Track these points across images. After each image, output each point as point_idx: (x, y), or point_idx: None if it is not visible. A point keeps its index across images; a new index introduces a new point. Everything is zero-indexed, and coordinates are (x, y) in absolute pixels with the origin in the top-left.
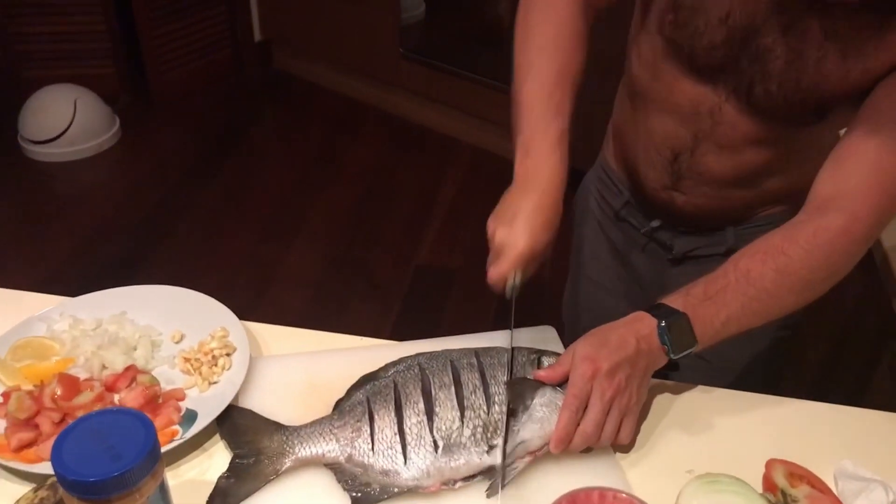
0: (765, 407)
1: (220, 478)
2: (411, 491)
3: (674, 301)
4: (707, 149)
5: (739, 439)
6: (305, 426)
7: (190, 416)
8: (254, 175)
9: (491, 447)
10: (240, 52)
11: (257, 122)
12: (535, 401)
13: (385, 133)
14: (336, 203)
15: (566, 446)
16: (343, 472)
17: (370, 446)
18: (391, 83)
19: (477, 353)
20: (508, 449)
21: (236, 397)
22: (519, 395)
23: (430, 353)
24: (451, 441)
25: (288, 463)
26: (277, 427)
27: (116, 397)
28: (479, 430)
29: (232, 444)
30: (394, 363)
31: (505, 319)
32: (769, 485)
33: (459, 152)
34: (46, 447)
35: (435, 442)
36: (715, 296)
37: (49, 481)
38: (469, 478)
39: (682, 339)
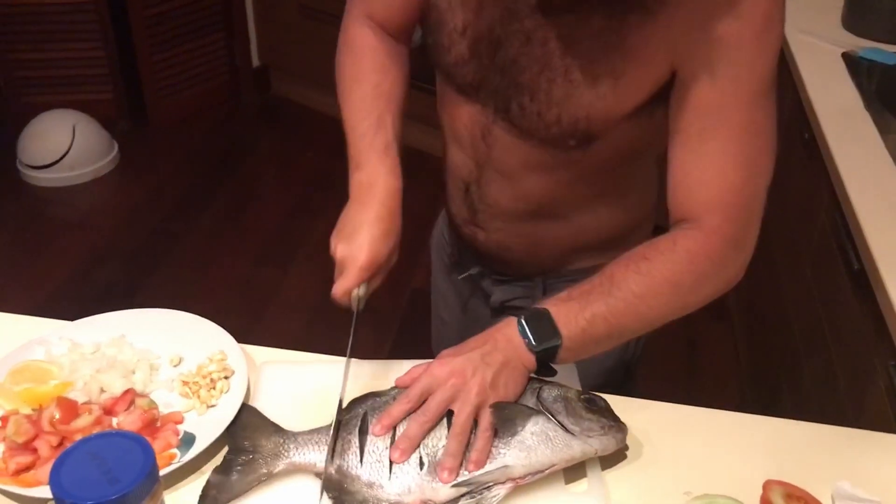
0: (762, 428)
1: (213, 472)
2: None
3: (538, 304)
4: (490, 177)
5: (737, 460)
6: (303, 433)
7: (188, 440)
8: (251, 200)
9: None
10: (238, 78)
11: (255, 148)
12: (526, 428)
13: None
14: (332, 227)
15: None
16: (330, 481)
17: (359, 458)
18: None
19: None
20: (490, 470)
21: (246, 396)
22: (509, 419)
23: None
24: (436, 460)
25: (281, 466)
26: (277, 430)
27: (115, 421)
28: (464, 447)
29: (231, 438)
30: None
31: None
32: None
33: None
34: (45, 471)
35: (421, 459)
36: (578, 297)
37: None
38: (451, 501)
39: (543, 332)
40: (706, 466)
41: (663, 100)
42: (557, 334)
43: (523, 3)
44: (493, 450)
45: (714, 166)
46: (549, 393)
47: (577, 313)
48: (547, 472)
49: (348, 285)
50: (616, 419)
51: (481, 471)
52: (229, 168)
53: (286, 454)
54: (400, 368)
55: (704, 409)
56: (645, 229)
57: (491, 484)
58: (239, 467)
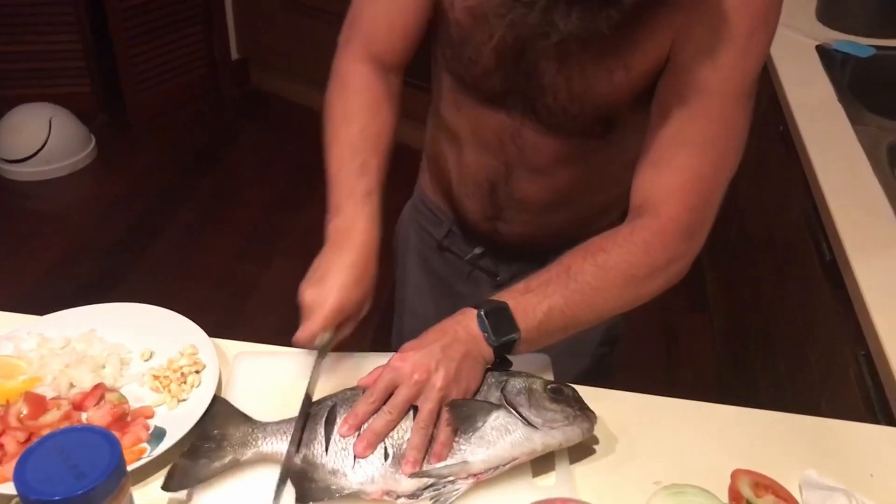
0: (730, 417)
1: (180, 456)
2: (354, 495)
3: (497, 296)
4: (520, 175)
5: (705, 450)
6: (271, 423)
7: (158, 434)
8: (231, 194)
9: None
10: (216, 71)
11: (234, 141)
12: (486, 423)
13: None
14: (313, 222)
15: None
16: (295, 470)
17: (324, 447)
18: None
19: None
20: (450, 464)
21: (217, 390)
22: (467, 416)
23: None
24: (401, 451)
25: (248, 454)
26: (246, 419)
27: (84, 416)
28: (428, 440)
29: (200, 425)
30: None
31: None
32: (735, 495)
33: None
34: (11, 467)
35: (386, 450)
36: (536, 289)
37: (12, 502)
38: (413, 496)
39: (502, 326)
40: (675, 456)
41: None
42: (515, 328)
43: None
44: (454, 444)
45: (685, 153)
46: (513, 385)
47: (534, 306)
48: (508, 465)
49: (313, 330)
50: (583, 408)
51: (440, 464)
52: (208, 162)
53: (254, 443)
54: (377, 362)
55: (673, 399)
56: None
57: (452, 478)
58: (206, 453)
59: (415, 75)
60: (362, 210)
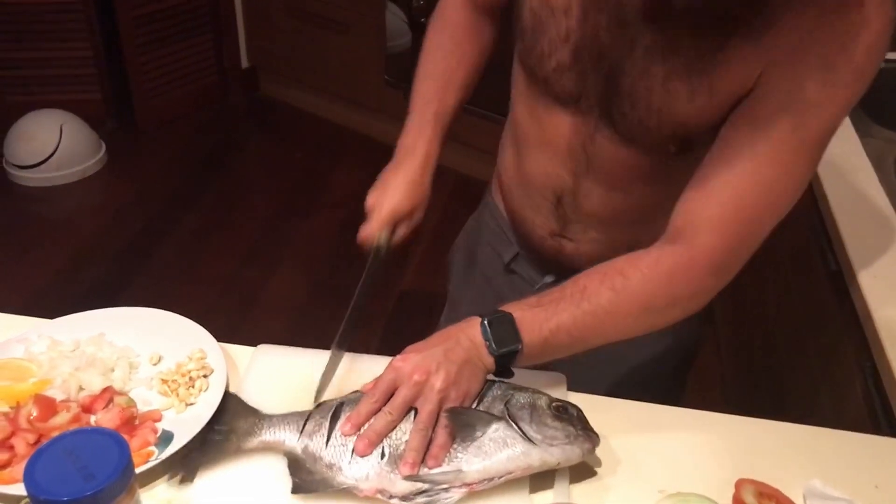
0: (735, 427)
1: (191, 448)
2: (348, 490)
3: (506, 306)
4: (589, 188)
5: (710, 459)
6: (277, 415)
7: (166, 438)
8: (238, 200)
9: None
10: (226, 79)
11: (243, 149)
12: (485, 434)
13: (370, 160)
14: (320, 229)
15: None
16: (295, 460)
17: (325, 440)
18: (376, 110)
19: None
20: (445, 471)
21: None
22: (466, 424)
23: None
24: (398, 452)
25: (252, 443)
26: (253, 412)
27: (93, 418)
28: (426, 443)
29: (212, 421)
30: None
31: None
32: None
33: (443, 178)
34: (21, 468)
35: (383, 450)
36: (547, 304)
37: (22, 502)
38: (406, 498)
39: (504, 336)
40: (680, 465)
41: None
42: (518, 339)
43: (631, 9)
44: (451, 451)
45: (737, 185)
46: (518, 399)
47: (542, 322)
48: (503, 479)
49: (371, 229)
50: (586, 428)
51: (435, 470)
52: (217, 169)
53: (258, 433)
54: (383, 364)
55: (678, 409)
56: None
57: (446, 486)
58: (214, 446)
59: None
60: (425, 131)
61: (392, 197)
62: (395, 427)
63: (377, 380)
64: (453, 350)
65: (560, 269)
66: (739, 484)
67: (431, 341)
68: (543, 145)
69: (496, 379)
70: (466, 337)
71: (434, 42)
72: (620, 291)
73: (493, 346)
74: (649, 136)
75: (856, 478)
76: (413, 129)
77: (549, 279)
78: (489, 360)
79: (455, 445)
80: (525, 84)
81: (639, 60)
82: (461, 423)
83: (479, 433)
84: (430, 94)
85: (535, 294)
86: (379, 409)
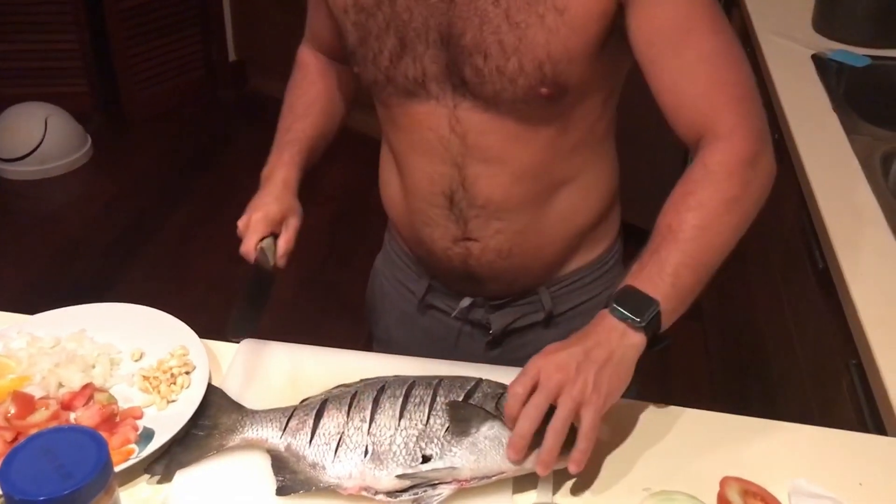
0: (720, 425)
1: (171, 444)
2: (331, 489)
3: (620, 285)
4: (475, 172)
5: (695, 457)
6: (260, 411)
7: (147, 435)
8: (226, 195)
9: (425, 458)
10: (214, 73)
11: (230, 143)
12: (480, 431)
13: (358, 154)
14: (309, 224)
15: (519, 456)
16: (278, 459)
17: (309, 439)
18: (365, 105)
19: (444, 378)
20: (438, 468)
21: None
22: (463, 419)
23: (404, 376)
24: (381, 449)
25: (234, 441)
26: (237, 408)
27: (73, 416)
28: (413, 439)
29: (195, 416)
30: (367, 378)
31: None
32: (724, 502)
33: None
34: None
35: (366, 447)
36: (650, 259)
37: None
38: (392, 494)
39: (638, 304)
40: (665, 462)
41: (615, 37)
42: (652, 300)
43: None
44: (445, 446)
45: (702, 74)
46: (504, 399)
47: (658, 273)
48: (495, 478)
49: (248, 241)
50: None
51: (428, 467)
52: (204, 164)
53: (241, 430)
54: (371, 360)
55: (662, 406)
56: (615, 217)
57: (436, 482)
58: (196, 441)
59: None
60: (282, 156)
61: (259, 209)
62: (536, 427)
63: (519, 378)
64: (593, 349)
65: (472, 284)
66: (724, 482)
67: (569, 341)
68: (416, 149)
69: (483, 379)
70: (604, 329)
71: (290, 84)
72: (698, 206)
73: (635, 318)
74: (514, 84)
75: (841, 475)
76: (272, 158)
77: (465, 303)
78: (638, 338)
79: (448, 440)
80: (380, 104)
81: (469, 12)
82: (459, 416)
83: (473, 429)
84: (286, 125)
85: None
86: (524, 402)
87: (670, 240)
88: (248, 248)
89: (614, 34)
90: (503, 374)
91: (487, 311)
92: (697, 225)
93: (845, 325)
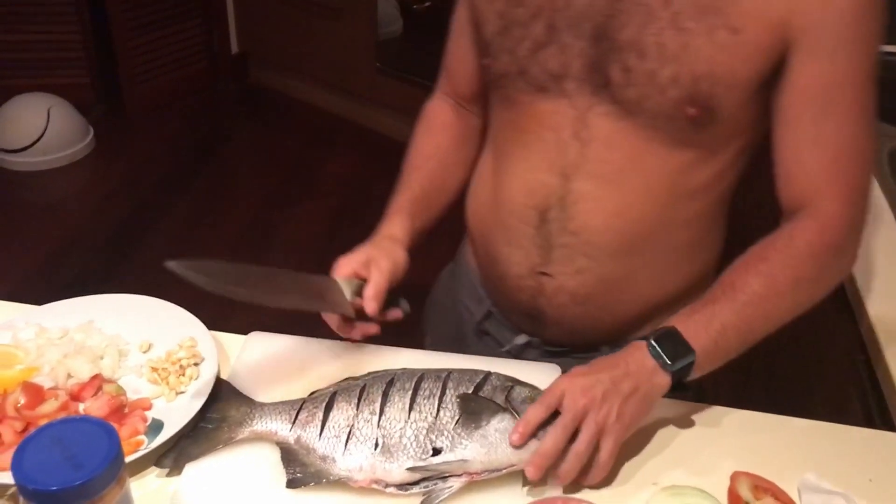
0: (730, 420)
1: (180, 437)
2: (342, 481)
3: (664, 324)
4: (581, 190)
5: (705, 452)
6: (269, 404)
7: (156, 426)
8: (228, 187)
9: (435, 450)
10: (216, 65)
11: (232, 135)
12: (490, 424)
13: (360, 147)
14: (310, 217)
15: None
16: (288, 451)
17: (319, 432)
18: (367, 98)
19: (453, 371)
20: (449, 460)
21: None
22: (474, 412)
23: (413, 368)
24: (392, 441)
25: (243, 433)
26: (246, 401)
27: (82, 406)
28: (423, 432)
29: (204, 409)
30: (376, 371)
31: None
32: (734, 497)
33: None
34: (8, 457)
35: (377, 440)
36: (702, 309)
37: (10, 491)
38: (403, 486)
39: (676, 349)
40: (675, 458)
41: (770, 88)
42: (690, 350)
43: None
44: (455, 439)
45: (830, 149)
46: (518, 392)
47: (705, 326)
48: (505, 471)
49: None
50: None
51: (439, 459)
52: (206, 155)
53: (250, 422)
54: (380, 353)
55: (672, 401)
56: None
57: (446, 475)
58: (205, 434)
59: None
60: (391, 209)
61: (345, 257)
62: (563, 447)
63: (545, 396)
64: (622, 380)
65: (535, 322)
66: (735, 477)
67: (597, 366)
68: (526, 154)
69: (492, 372)
70: (635, 362)
71: (413, 136)
72: (767, 274)
73: (669, 362)
74: (663, 93)
75: (850, 471)
76: (385, 218)
77: (521, 340)
78: (665, 380)
79: (460, 433)
80: (500, 100)
81: (635, 7)
82: (468, 409)
83: (484, 422)
84: (403, 178)
85: (687, 309)
86: (546, 417)
87: (728, 297)
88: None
89: (771, 85)
90: (513, 368)
91: (542, 354)
92: (759, 293)
93: (853, 321)
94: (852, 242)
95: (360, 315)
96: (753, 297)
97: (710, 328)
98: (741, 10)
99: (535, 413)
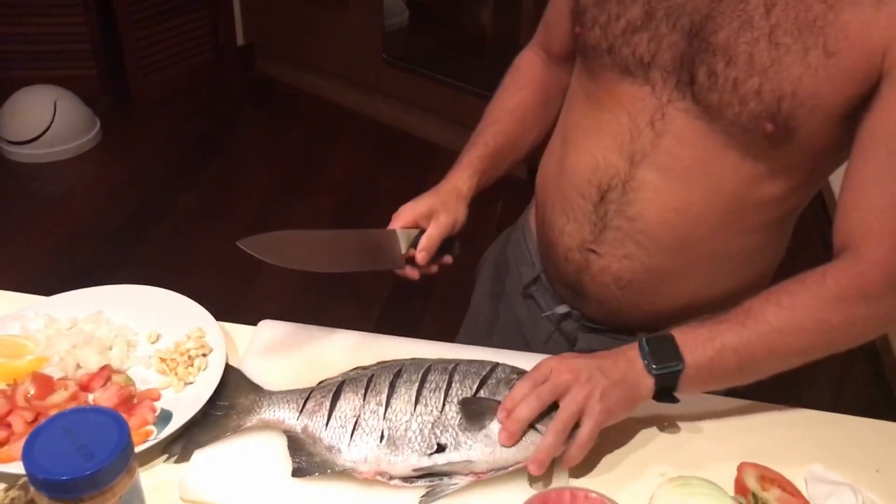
0: (737, 411)
1: (189, 424)
2: (347, 472)
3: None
4: (644, 178)
5: (712, 443)
6: (278, 392)
7: (165, 417)
8: (234, 179)
9: (439, 446)
10: (222, 56)
11: (239, 127)
12: (494, 423)
13: (367, 139)
14: (316, 208)
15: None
16: (295, 440)
17: (325, 421)
18: (373, 89)
19: (460, 362)
20: (453, 461)
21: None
22: (477, 413)
23: (421, 359)
24: (397, 434)
25: (251, 421)
26: (255, 388)
27: (91, 397)
28: (428, 426)
29: (213, 397)
30: (384, 361)
31: None
32: (741, 488)
33: (441, 158)
34: (18, 446)
35: (382, 432)
36: (709, 325)
37: (20, 481)
38: (408, 479)
39: (664, 354)
40: (682, 449)
41: (856, 115)
42: (679, 358)
43: None
44: (459, 436)
45: (893, 193)
46: None
47: (704, 342)
48: (511, 468)
49: (391, 225)
50: None
51: (443, 459)
52: (213, 147)
53: (258, 410)
54: (389, 342)
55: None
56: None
57: (452, 473)
58: (214, 422)
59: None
60: (460, 161)
61: (412, 201)
62: (537, 414)
63: (531, 373)
64: (609, 368)
65: (577, 296)
66: (742, 468)
67: (588, 355)
68: (599, 131)
69: (499, 364)
70: (625, 358)
71: (500, 87)
72: (788, 307)
73: (652, 364)
74: (743, 104)
75: (857, 462)
76: (451, 172)
77: (561, 309)
78: (648, 382)
79: (464, 431)
80: (584, 70)
81: (737, 11)
82: (471, 413)
83: (487, 421)
84: (480, 128)
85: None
86: (527, 393)
87: (741, 321)
88: (389, 231)
89: (857, 114)
90: (519, 359)
91: (580, 328)
92: (773, 325)
93: None
94: (891, 297)
95: (411, 261)
96: (766, 327)
97: (709, 345)
98: (842, 33)
99: (520, 388)
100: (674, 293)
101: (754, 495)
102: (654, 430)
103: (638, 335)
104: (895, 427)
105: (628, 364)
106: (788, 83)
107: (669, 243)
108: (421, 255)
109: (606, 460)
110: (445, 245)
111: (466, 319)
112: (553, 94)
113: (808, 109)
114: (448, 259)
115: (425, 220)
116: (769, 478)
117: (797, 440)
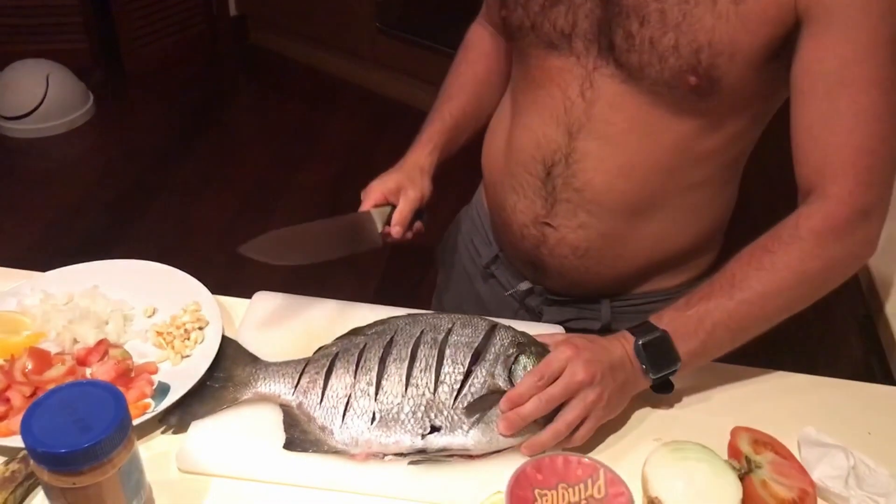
0: (731, 376)
1: (186, 396)
2: (339, 453)
3: (658, 318)
4: (585, 148)
5: (706, 408)
6: (274, 364)
7: (162, 390)
8: (229, 151)
9: (433, 428)
10: (215, 27)
11: (233, 98)
12: (493, 411)
13: (362, 109)
14: (312, 179)
15: (515, 427)
16: (290, 416)
17: (319, 400)
18: (368, 58)
19: (454, 325)
20: (448, 446)
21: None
22: (479, 409)
23: (415, 315)
24: (389, 416)
25: (248, 394)
26: (252, 360)
27: (88, 371)
28: (421, 409)
29: (210, 368)
30: (381, 321)
31: None
32: (734, 452)
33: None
34: (17, 421)
35: (374, 414)
36: (698, 304)
37: (20, 454)
38: (401, 454)
39: (661, 361)
40: (676, 414)
41: (781, 60)
42: (676, 358)
43: None
44: (455, 421)
45: (844, 127)
46: (523, 365)
47: (696, 327)
48: (505, 448)
49: (363, 205)
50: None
51: (440, 444)
52: (208, 119)
53: (254, 383)
54: (384, 313)
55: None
56: (712, 253)
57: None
58: (210, 393)
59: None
60: (420, 137)
61: (378, 178)
62: (541, 415)
63: (546, 366)
64: (616, 370)
65: (537, 271)
66: (735, 432)
67: (599, 343)
68: (536, 107)
69: (497, 321)
70: (627, 358)
71: (453, 63)
72: (770, 268)
73: (651, 372)
74: (663, 62)
75: (849, 425)
76: (411, 149)
77: (523, 286)
78: (645, 383)
79: (462, 419)
80: (517, 53)
81: None
82: (471, 409)
83: (487, 410)
84: (436, 105)
85: (689, 292)
86: (542, 388)
87: (726, 293)
88: (361, 214)
89: (781, 56)
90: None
91: (544, 301)
92: (760, 291)
93: (854, 277)
94: (865, 230)
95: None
96: (753, 295)
97: (701, 329)
98: None
99: (529, 382)
100: (630, 255)
101: (748, 459)
102: (647, 396)
103: (603, 302)
104: (888, 390)
105: (630, 365)
106: (703, 34)
107: (620, 208)
108: (396, 230)
109: (600, 428)
110: (414, 217)
111: (435, 298)
112: (504, 64)
113: (728, 57)
114: (419, 226)
115: (394, 196)
116: (762, 441)
117: (790, 404)
